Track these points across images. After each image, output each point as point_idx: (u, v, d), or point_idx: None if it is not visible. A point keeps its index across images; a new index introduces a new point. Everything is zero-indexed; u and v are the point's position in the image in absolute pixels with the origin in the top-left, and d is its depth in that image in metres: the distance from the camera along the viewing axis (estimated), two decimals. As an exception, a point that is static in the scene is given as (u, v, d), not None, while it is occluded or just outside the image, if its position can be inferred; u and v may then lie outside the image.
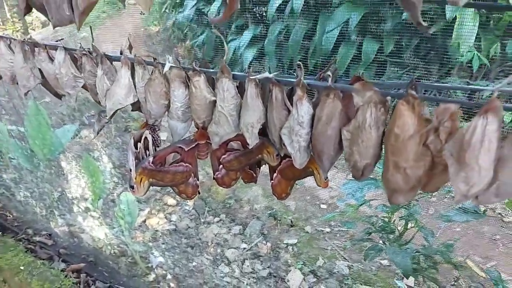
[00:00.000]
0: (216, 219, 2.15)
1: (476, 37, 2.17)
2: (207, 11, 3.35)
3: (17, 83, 0.76)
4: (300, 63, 0.55)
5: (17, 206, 2.04)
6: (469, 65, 2.27)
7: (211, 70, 0.52)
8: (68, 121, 2.60)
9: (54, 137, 1.82)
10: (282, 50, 3.07)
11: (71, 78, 0.66)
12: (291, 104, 0.48)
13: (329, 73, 0.42)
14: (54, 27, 0.58)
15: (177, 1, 3.77)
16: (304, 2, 2.71)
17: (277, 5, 2.85)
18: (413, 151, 0.40)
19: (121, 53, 0.60)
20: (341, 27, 2.61)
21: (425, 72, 2.45)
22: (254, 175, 0.67)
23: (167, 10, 3.98)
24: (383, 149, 0.43)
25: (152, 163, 0.55)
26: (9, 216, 2.06)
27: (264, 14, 3.13)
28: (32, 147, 1.71)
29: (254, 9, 3.21)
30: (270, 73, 0.49)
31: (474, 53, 2.20)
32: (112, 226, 1.88)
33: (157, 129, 0.61)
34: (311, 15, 2.81)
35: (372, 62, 2.62)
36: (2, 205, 2.12)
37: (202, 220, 2.14)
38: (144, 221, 2.09)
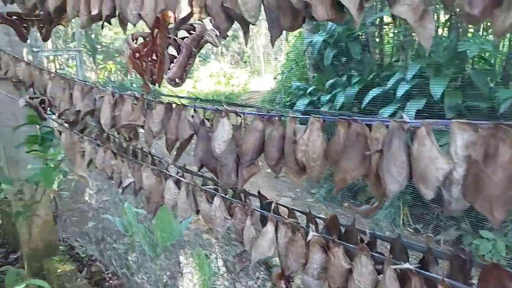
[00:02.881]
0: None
1: None
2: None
3: (175, 211, 0.94)
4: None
5: (133, 287, 2.25)
6: None
7: (350, 245, 0.59)
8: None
9: (175, 227, 2.04)
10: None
11: (222, 219, 0.79)
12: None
13: None
14: (221, 186, 0.73)
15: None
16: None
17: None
18: None
19: (269, 209, 0.71)
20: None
21: None
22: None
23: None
24: None
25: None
26: (125, 295, 2.27)
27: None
28: (157, 238, 1.94)
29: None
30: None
31: None
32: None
33: (291, 280, 0.68)
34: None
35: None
36: (121, 282, 2.38)
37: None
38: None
